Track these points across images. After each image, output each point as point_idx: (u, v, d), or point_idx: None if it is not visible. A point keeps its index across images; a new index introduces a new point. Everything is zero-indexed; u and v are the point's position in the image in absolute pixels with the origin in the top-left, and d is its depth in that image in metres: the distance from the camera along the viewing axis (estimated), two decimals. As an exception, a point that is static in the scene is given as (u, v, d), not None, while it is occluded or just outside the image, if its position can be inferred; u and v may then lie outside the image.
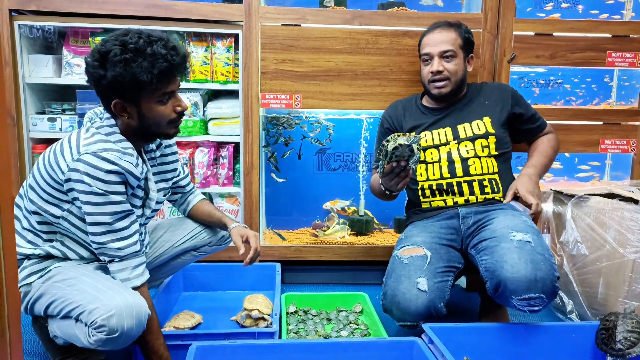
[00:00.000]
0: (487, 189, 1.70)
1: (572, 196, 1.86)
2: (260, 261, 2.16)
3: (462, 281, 2.27)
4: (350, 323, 1.76)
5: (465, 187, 1.70)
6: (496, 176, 1.72)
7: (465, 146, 1.74)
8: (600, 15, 2.32)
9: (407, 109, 1.89)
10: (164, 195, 1.55)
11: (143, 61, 1.21)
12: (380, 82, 2.10)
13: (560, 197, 1.92)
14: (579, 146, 2.21)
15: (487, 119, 1.77)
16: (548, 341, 1.49)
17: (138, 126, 1.31)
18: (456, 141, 1.75)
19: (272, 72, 2.07)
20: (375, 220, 2.41)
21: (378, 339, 1.43)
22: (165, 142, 1.51)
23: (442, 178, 1.73)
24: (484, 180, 1.70)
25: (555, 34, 2.13)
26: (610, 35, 2.15)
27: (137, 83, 1.22)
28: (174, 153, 1.56)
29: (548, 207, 1.99)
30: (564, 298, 1.87)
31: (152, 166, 1.47)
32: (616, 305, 1.67)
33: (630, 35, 2.15)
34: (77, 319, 1.23)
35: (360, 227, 2.35)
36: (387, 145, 1.47)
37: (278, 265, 2.04)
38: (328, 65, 2.08)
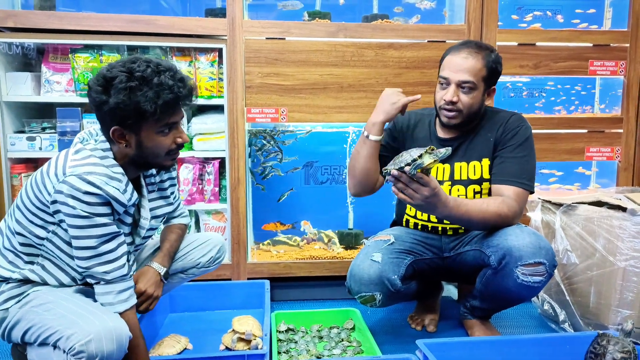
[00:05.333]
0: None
1: (560, 205, 1.86)
2: (249, 278, 2.13)
3: (454, 292, 2.25)
4: (342, 340, 1.72)
5: (450, 231, 1.74)
6: None
7: (458, 190, 1.69)
8: (579, 25, 2.35)
9: (419, 126, 1.76)
10: (161, 221, 1.51)
11: (149, 91, 1.19)
12: (366, 94, 2.09)
13: (548, 205, 1.92)
14: (565, 155, 2.22)
15: (485, 162, 1.67)
16: (542, 353, 1.48)
17: (135, 155, 1.28)
18: (450, 182, 1.69)
19: (257, 86, 2.05)
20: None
21: (372, 357, 1.40)
22: None
23: (428, 221, 1.75)
24: None
25: (538, 43, 2.16)
26: (591, 45, 2.18)
27: (140, 112, 1.20)
28: (172, 178, 1.52)
29: (536, 216, 1.98)
30: (556, 308, 1.86)
31: (150, 192, 1.43)
32: (608, 314, 1.67)
33: (611, 44, 2.18)
34: (54, 346, 1.18)
35: (349, 240, 2.32)
36: (421, 156, 1.35)
37: (267, 282, 1.99)
38: (314, 78, 2.06)
